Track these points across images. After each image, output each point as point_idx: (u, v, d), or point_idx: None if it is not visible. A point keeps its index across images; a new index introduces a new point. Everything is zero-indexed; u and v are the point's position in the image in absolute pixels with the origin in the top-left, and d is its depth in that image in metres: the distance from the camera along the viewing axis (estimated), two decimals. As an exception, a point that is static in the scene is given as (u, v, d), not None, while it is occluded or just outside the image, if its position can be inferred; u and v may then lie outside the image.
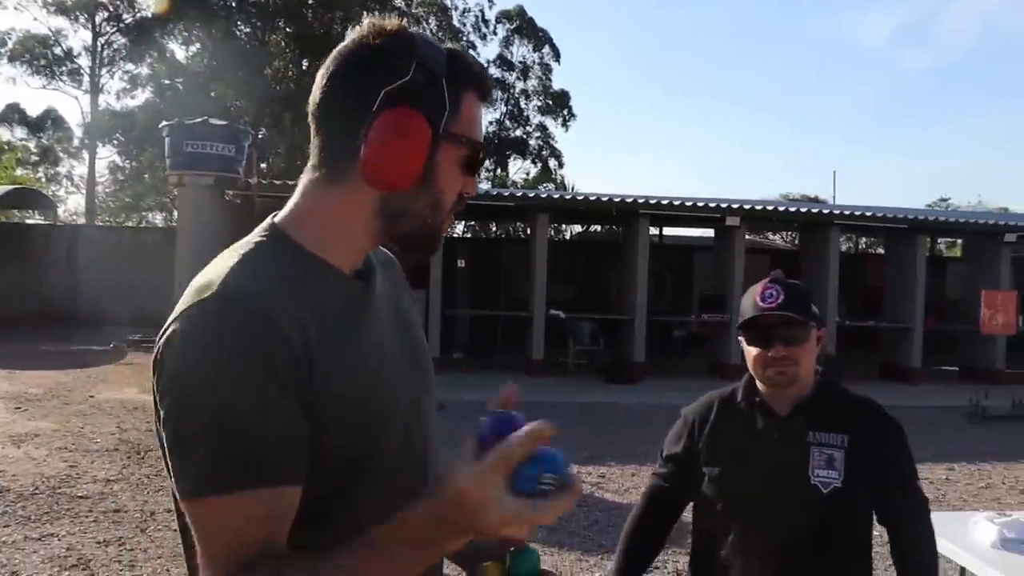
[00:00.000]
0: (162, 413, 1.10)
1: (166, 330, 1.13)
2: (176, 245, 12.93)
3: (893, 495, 2.25)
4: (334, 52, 1.27)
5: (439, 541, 1.05)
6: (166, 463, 1.14)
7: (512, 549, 1.33)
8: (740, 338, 2.30)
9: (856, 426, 2.23)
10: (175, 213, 37.26)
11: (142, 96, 37.42)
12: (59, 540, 5.77)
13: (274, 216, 1.31)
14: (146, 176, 37.84)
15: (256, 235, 1.27)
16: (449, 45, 1.29)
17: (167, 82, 35.20)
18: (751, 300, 2.26)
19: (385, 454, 1.24)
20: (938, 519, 4.36)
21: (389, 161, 1.19)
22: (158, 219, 41.59)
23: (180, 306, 1.14)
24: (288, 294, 1.15)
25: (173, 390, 1.09)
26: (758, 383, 2.31)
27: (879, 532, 2.31)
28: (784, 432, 2.23)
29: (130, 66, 37.35)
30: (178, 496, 1.12)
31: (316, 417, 1.13)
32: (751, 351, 2.26)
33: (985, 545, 3.69)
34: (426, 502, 1.03)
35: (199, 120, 13.75)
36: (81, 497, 6.80)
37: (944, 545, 3.86)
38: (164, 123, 14.37)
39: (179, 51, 35.61)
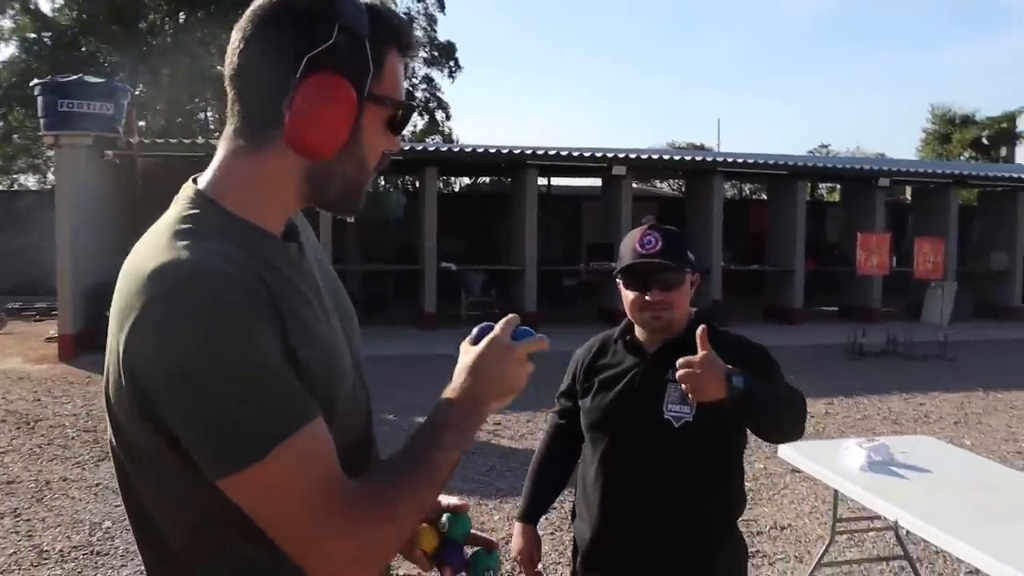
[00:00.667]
0: (171, 405, 1.08)
1: (132, 325, 1.09)
2: (56, 208, 12.49)
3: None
4: (249, 11, 1.22)
5: (473, 418, 1.26)
6: (126, 454, 1.22)
7: (448, 514, 1.42)
8: (618, 281, 2.40)
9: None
10: (49, 175, 35.86)
11: (6, 51, 35.73)
12: (-50, 512, 5.67)
13: (195, 182, 1.27)
14: (16, 137, 36.24)
15: (184, 207, 1.22)
16: None
17: (33, 36, 33.63)
18: (630, 246, 2.34)
19: (343, 403, 1.26)
20: (813, 447, 4.65)
21: (315, 130, 1.17)
22: (31, 182, 39.95)
23: (138, 294, 1.10)
24: (242, 260, 1.14)
25: (179, 376, 1.06)
26: (635, 326, 2.44)
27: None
28: (647, 368, 2.34)
29: (-10, 18, 35.58)
30: (218, 476, 1.08)
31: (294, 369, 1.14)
32: (628, 295, 2.35)
33: (855, 469, 3.94)
34: (451, 389, 1.27)
35: (74, 78, 13.19)
36: (-30, 469, 6.65)
37: (818, 470, 4.13)
38: (36, 81, 13.78)
39: (44, 3, 34.08)
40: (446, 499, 1.46)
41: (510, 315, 1.34)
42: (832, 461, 4.07)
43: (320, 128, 1.18)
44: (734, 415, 2.17)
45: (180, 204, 1.24)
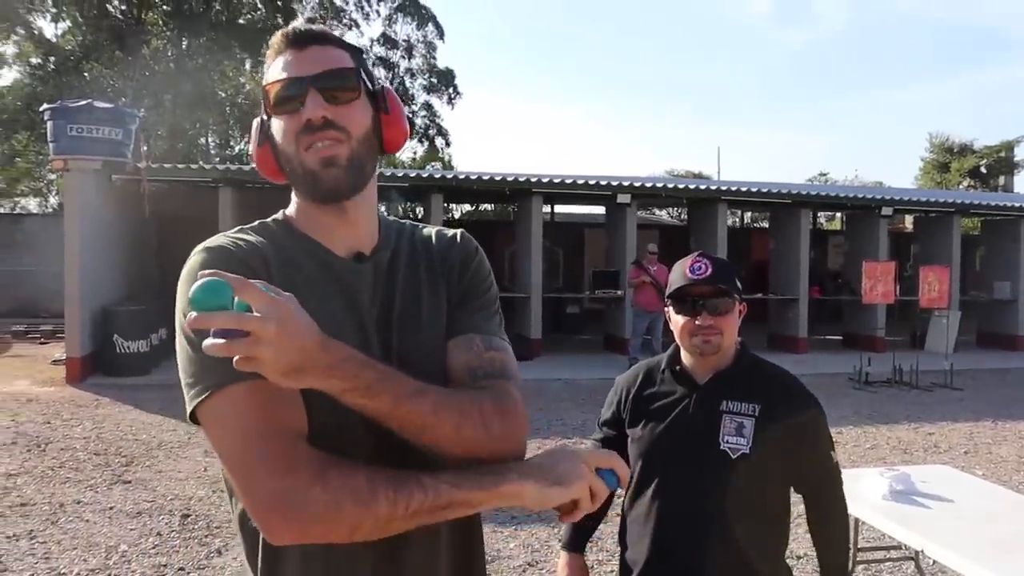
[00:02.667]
0: None
1: None
2: (64, 232, 12.53)
3: (805, 464, 2.39)
4: None
5: (500, 479, 1.27)
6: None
7: None
8: (668, 308, 2.44)
9: (769, 396, 2.35)
10: (51, 199, 35.92)
11: (9, 76, 35.84)
12: (-34, 536, 5.66)
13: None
14: (18, 160, 36.33)
15: (268, 218, 1.51)
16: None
17: (37, 61, 33.78)
18: (680, 271, 2.38)
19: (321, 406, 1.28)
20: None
21: (255, 160, 1.48)
22: (32, 205, 39.99)
23: None
24: (252, 242, 1.38)
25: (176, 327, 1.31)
26: (682, 352, 2.46)
27: (798, 497, 2.48)
28: (700, 399, 2.37)
29: (-7, 44, 35.75)
30: (189, 414, 1.27)
31: None
32: (678, 320, 2.39)
33: (876, 497, 3.96)
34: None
35: (84, 103, 13.27)
36: (-17, 492, 6.65)
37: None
38: (46, 106, 13.86)
39: (48, 28, 34.24)
40: None
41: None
42: (851, 490, 4.08)
43: (254, 157, 1.48)
44: (787, 448, 2.27)
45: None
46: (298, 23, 1.43)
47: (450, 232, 1.63)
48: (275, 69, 1.40)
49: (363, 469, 1.22)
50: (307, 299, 1.28)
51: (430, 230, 1.62)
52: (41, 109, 14.42)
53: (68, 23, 32.71)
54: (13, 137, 33.82)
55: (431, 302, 1.52)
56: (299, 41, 1.40)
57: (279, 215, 1.51)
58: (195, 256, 1.34)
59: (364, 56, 1.50)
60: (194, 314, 1.05)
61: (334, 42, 1.43)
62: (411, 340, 1.46)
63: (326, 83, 1.37)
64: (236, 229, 1.44)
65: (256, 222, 1.49)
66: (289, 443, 1.21)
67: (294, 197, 1.47)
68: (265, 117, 1.43)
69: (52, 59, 32.59)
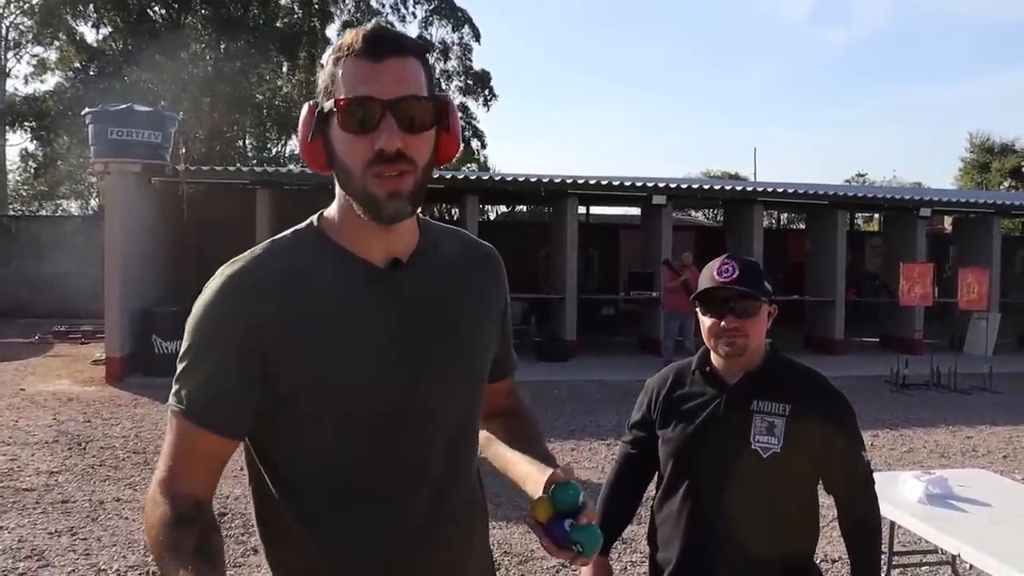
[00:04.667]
0: None
1: None
2: (105, 234, 12.71)
3: (836, 464, 2.39)
4: None
5: None
6: None
7: (554, 485, 1.46)
8: (696, 309, 2.46)
9: (799, 396, 2.36)
10: (91, 201, 36.40)
11: (52, 80, 36.42)
12: (9, 533, 5.76)
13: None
14: (60, 163, 36.85)
15: (301, 224, 1.52)
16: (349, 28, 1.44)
17: (79, 66, 34.27)
18: (708, 274, 2.40)
19: (342, 412, 1.42)
20: (871, 479, 4.59)
21: (302, 149, 1.43)
22: (73, 207, 40.58)
23: None
24: (278, 274, 1.41)
25: None
26: (712, 354, 2.47)
27: (828, 499, 2.47)
28: (730, 399, 2.38)
29: (38, 49, 36.35)
30: None
31: (273, 373, 1.38)
32: (705, 321, 2.40)
33: (912, 501, 3.93)
34: None
35: (124, 106, 13.47)
36: (26, 490, 6.76)
37: (877, 503, 4.10)
38: (87, 110, 14.07)
39: (89, 34, 34.70)
40: (547, 471, 1.52)
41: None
42: (887, 493, 4.05)
43: (301, 147, 1.44)
44: (818, 447, 2.29)
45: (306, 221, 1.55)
46: (375, 25, 1.38)
47: (484, 243, 1.70)
48: (349, 79, 1.35)
49: (175, 535, 1.31)
50: (332, 313, 1.41)
51: (465, 236, 1.67)
52: (83, 113, 14.63)
53: (109, 28, 33.18)
54: (55, 140, 34.36)
55: (469, 310, 1.57)
56: (377, 50, 1.34)
57: (315, 219, 1.52)
58: (209, 283, 1.42)
59: (428, 54, 1.49)
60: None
61: (410, 50, 1.38)
62: (448, 348, 1.51)
63: (405, 112, 1.34)
64: (267, 242, 1.48)
65: (290, 232, 1.50)
66: (176, 479, 1.38)
67: (338, 192, 1.45)
68: (323, 109, 1.39)
69: (93, 63, 33.08)
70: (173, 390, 1.39)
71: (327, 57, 1.41)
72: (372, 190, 1.36)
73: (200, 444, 1.38)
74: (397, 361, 1.44)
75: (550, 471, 1.49)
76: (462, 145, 1.49)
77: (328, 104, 1.37)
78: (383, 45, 1.35)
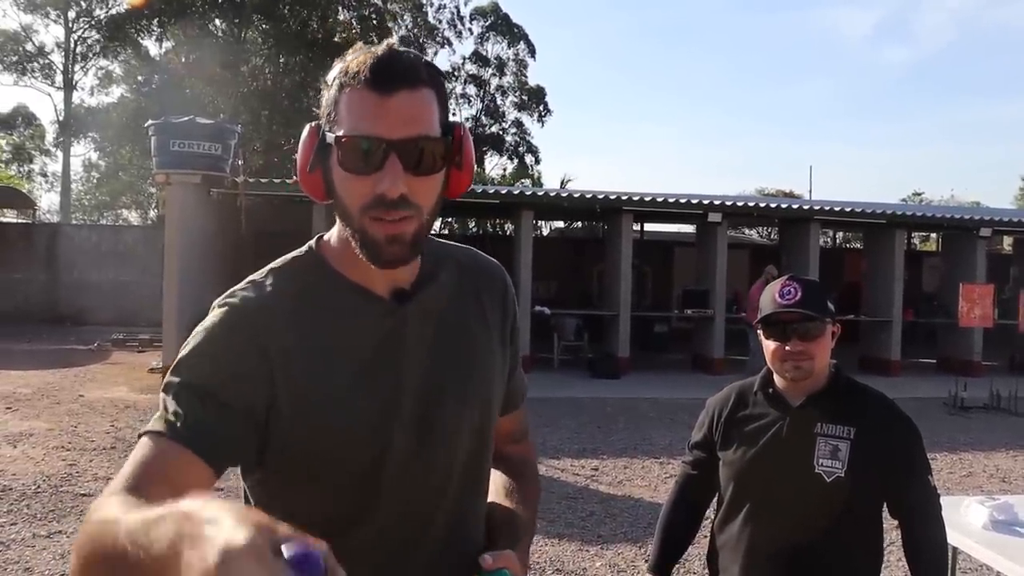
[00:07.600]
0: None
1: None
2: (165, 244, 12.95)
3: (902, 488, 2.35)
4: None
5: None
6: None
7: (481, 571, 1.33)
8: (759, 332, 2.43)
9: (864, 419, 2.32)
10: (151, 211, 37.08)
11: (116, 92, 37.26)
12: (67, 537, 5.85)
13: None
14: (121, 174, 37.59)
15: (300, 249, 1.43)
16: (376, 46, 1.28)
17: (142, 79, 34.98)
18: (770, 297, 2.37)
19: (341, 456, 1.29)
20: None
21: (299, 177, 1.33)
22: (133, 217, 41.36)
23: None
24: (280, 307, 1.31)
25: None
26: (775, 376, 2.45)
27: (893, 523, 2.43)
28: (794, 422, 2.35)
29: (104, 62, 37.22)
30: None
31: (277, 416, 1.25)
32: (769, 345, 2.37)
33: (976, 527, 3.84)
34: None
35: (186, 119, 13.71)
36: (84, 495, 6.87)
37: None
38: (150, 122, 14.34)
39: (153, 48, 35.43)
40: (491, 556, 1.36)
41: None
42: (950, 519, 3.97)
43: (298, 168, 1.32)
44: (883, 471, 2.27)
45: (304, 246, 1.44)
46: (385, 52, 1.25)
47: (488, 258, 1.58)
48: (354, 112, 1.23)
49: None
50: (335, 345, 1.31)
51: (469, 253, 1.55)
52: (146, 124, 14.92)
53: (171, 42, 33.82)
54: (119, 152, 35.11)
55: (479, 336, 1.47)
56: (385, 83, 1.22)
57: (313, 243, 1.42)
58: (209, 315, 1.32)
59: (444, 80, 1.34)
60: None
61: (424, 79, 1.25)
62: (459, 378, 1.41)
63: (411, 154, 1.23)
64: (266, 270, 1.37)
65: (289, 257, 1.40)
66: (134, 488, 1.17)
67: (339, 220, 1.33)
68: (324, 132, 1.28)
69: (156, 76, 33.73)
70: (155, 416, 1.22)
71: (332, 76, 1.28)
72: (371, 234, 1.25)
73: (173, 464, 1.16)
74: (402, 418, 1.34)
75: (497, 553, 1.35)
76: (473, 176, 1.38)
77: (330, 136, 1.25)
78: (393, 77, 1.22)
